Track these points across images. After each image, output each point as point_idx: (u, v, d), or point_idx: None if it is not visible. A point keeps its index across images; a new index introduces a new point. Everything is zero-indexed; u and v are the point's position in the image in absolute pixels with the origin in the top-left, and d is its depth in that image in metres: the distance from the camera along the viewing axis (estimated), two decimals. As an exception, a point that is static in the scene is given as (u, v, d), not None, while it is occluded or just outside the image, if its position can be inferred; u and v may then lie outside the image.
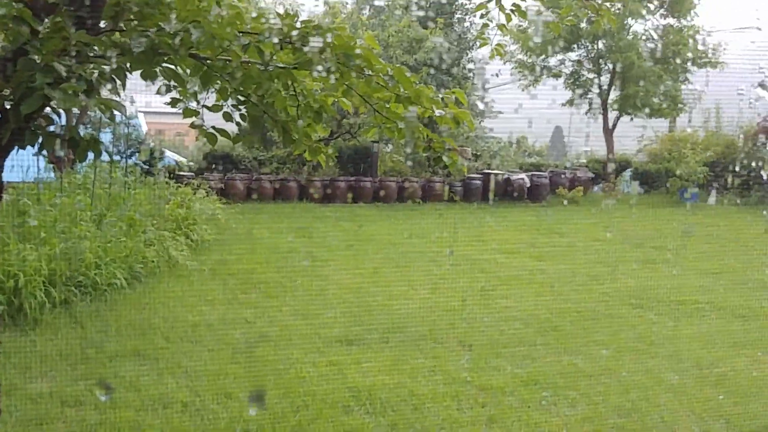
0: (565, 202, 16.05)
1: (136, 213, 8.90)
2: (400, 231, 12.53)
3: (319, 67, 3.24)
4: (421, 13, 18.51)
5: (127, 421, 4.51)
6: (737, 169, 16.77)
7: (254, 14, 3.24)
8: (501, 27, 3.97)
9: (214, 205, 11.48)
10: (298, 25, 3.35)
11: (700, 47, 18.39)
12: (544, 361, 5.92)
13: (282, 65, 3.26)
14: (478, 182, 16.53)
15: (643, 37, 18.68)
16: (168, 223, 9.43)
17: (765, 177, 15.23)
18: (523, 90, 20.35)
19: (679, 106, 18.64)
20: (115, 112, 3.03)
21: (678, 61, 18.17)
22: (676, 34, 18.27)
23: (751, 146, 17.62)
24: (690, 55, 18.20)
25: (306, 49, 3.13)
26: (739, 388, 5.51)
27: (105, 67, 2.87)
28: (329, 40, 3.18)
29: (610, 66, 19.10)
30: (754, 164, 16.96)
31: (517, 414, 4.89)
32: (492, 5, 3.90)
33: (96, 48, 2.86)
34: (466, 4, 20.14)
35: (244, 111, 3.59)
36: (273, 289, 7.87)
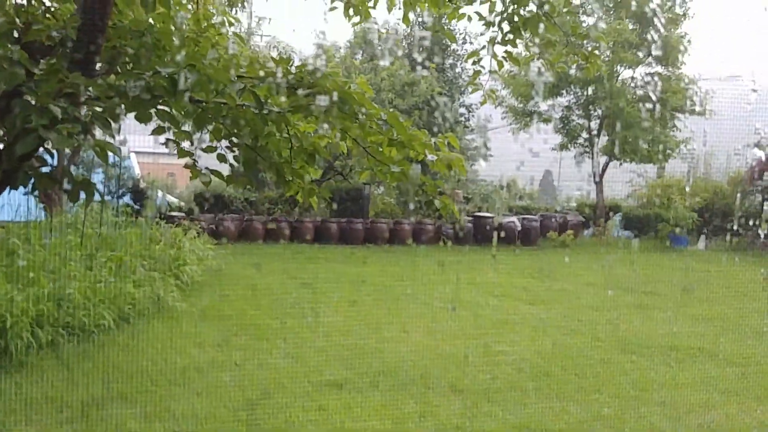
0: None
1: (126, 253, 8.85)
2: (392, 273, 12.49)
3: (319, 106, 3.27)
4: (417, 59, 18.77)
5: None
6: (734, 224, 16.97)
7: (248, 61, 3.28)
8: (493, 73, 4.02)
9: (205, 246, 11.44)
10: (293, 69, 3.40)
11: (692, 96, 18.67)
12: (536, 407, 5.85)
13: (277, 109, 3.28)
14: (470, 225, 16.56)
15: (632, 85, 18.99)
16: (158, 263, 9.37)
17: (762, 235, 15.36)
18: (513, 134, 20.58)
19: (667, 152, 18.83)
20: (109, 153, 3.03)
21: (666, 108, 18.41)
22: (664, 83, 18.57)
23: (744, 193, 17.82)
24: (678, 102, 18.46)
25: (300, 92, 3.16)
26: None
27: (98, 108, 2.88)
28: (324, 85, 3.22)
29: (600, 112, 19.36)
30: (740, 214, 17.20)
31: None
32: (484, 52, 3.97)
33: (91, 90, 2.87)
34: (458, 51, 20.46)
35: (237, 153, 3.60)
36: (263, 331, 7.79)
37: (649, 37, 18.17)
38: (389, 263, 13.66)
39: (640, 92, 18.66)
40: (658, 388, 6.49)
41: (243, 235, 15.31)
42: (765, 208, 16.39)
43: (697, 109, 18.75)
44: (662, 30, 17.79)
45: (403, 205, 17.25)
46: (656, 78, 18.95)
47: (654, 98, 17.95)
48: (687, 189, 18.39)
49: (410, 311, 9.25)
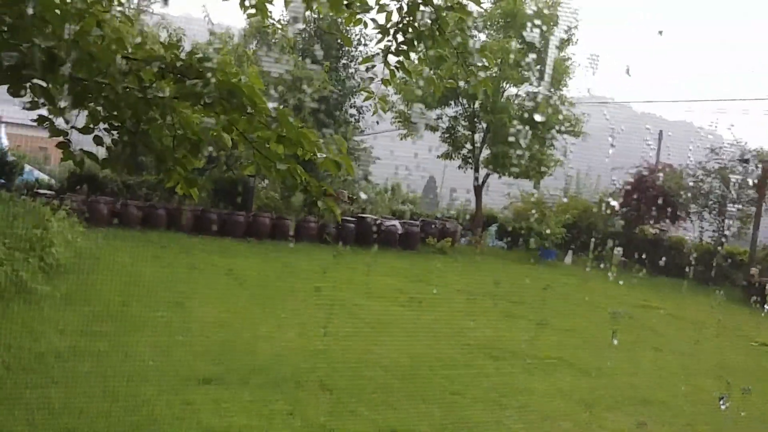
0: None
1: (-14, 230, 8.29)
2: (270, 269, 12.38)
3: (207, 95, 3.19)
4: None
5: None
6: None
7: (138, 39, 3.18)
8: (385, 82, 4.09)
9: (74, 228, 10.87)
10: (182, 55, 3.31)
11: (570, 118, 19.68)
12: (401, 408, 5.99)
13: (162, 95, 3.19)
14: (352, 225, 16.67)
15: (515, 102, 19.76)
16: (21, 243, 8.82)
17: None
18: (401, 139, 20.91)
19: (543, 169, 19.74)
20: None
21: (545, 127, 19.30)
22: (545, 103, 19.45)
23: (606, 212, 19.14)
24: (557, 123, 19.40)
25: (188, 82, 3.09)
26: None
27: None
28: (213, 75, 3.16)
29: (484, 125, 20.01)
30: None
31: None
32: (378, 59, 4.02)
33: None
34: (351, 51, 20.54)
35: (116, 136, 3.45)
36: (131, 321, 7.52)
37: (534, 57, 18.99)
38: (268, 259, 13.53)
39: (522, 110, 19.45)
40: (518, 394, 6.80)
41: (116, 218, 14.65)
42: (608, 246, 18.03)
43: (574, 129, 19.77)
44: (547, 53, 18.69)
45: (287, 201, 17.11)
46: (538, 97, 19.82)
47: (535, 117, 18.81)
48: (552, 208, 19.51)
49: (285, 309, 9.21)
